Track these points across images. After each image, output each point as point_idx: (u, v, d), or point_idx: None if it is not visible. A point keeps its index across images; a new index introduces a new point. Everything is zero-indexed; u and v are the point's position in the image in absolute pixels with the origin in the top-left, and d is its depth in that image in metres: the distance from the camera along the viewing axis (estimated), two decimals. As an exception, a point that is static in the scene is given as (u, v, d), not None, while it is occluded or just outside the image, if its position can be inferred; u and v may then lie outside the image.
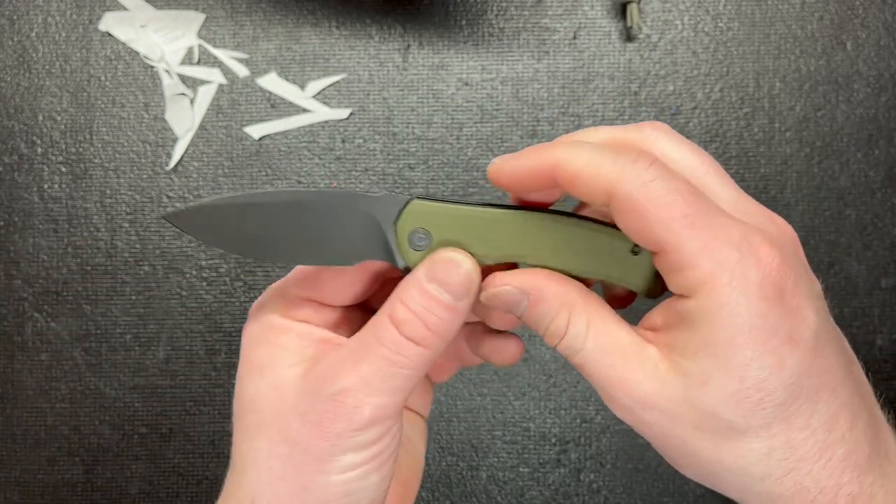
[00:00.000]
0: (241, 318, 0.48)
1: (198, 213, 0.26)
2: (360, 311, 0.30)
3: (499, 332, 0.31)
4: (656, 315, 0.26)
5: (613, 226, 0.26)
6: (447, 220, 0.27)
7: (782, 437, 0.23)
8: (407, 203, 0.26)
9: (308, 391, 0.26)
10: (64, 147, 0.49)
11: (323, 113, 0.49)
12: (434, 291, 0.26)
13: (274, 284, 0.30)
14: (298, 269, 0.29)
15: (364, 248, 0.27)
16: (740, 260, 0.23)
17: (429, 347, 0.26)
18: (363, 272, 0.28)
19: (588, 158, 0.24)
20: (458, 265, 0.26)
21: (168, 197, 0.49)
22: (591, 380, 0.26)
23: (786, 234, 0.25)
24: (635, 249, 0.26)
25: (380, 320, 0.26)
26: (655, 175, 0.23)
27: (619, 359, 0.25)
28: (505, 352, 0.31)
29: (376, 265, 0.28)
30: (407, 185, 0.49)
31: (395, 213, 0.27)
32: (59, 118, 0.49)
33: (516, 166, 0.26)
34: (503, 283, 0.27)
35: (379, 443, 0.26)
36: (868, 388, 0.25)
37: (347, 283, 0.28)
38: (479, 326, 0.31)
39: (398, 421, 0.27)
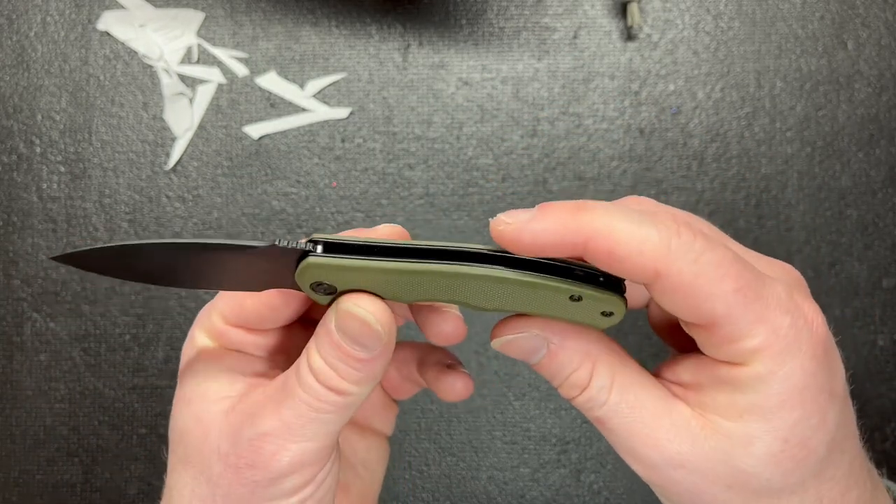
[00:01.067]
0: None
1: (87, 257, 0.25)
2: (303, 329, 0.29)
3: (447, 367, 0.30)
4: (683, 371, 0.25)
5: (558, 264, 0.23)
6: (349, 274, 0.24)
7: (813, 492, 0.23)
8: (300, 259, 0.23)
9: (230, 432, 0.25)
10: (63, 147, 0.49)
11: (322, 112, 0.49)
12: (345, 344, 0.24)
13: (210, 302, 0.28)
14: (222, 293, 0.28)
15: (269, 280, 0.25)
16: (792, 324, 0.22)
17: (349, 394, 0.25)
18: (285, 295, 0.26)
19: (629, 231, 0.22)
20: (361, 320, 0.24)
21: (167, 196, 0.49)
22: (612, 435, 0.25)
23: (801, 281, 0.25)
24: (574, 297, 0.24)
25: (301, 363, 0.25)
26: (703, 247, 0.22)
27: (647, 415, 0.24)
28: (452, 390, 0.29)
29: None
30: (407, 185, 0.48)
31: (292, 266, 0.24)
32: (57, 118, 0.49)
33: (539, 233, 0.23)
34: (519, 328, 0.25)
35: (302, 491, 0.25)
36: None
37: (270, 308, 0.27)
38: (429, 355, 0.30)
39: (325, 465, 0.26)
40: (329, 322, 0.24)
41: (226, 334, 0.27)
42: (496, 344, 0.26)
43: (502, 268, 0.24)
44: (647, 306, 0.30)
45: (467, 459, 0.48)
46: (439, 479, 0.48)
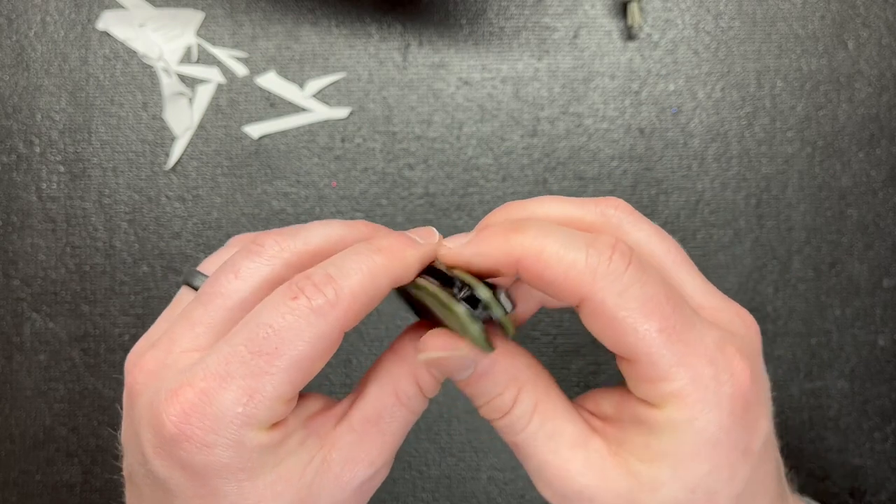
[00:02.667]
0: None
1: None
2: None
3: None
4: (606, 404, 0.25)
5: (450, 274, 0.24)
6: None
7: None
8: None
9: (341, 484, 0.25)
10: (62, 146, 0.49)
11: (322, 112, 0.49)
12: (446, 373, 0.26)
13: (221, 382, 0.23)
14: (280, 363, 0.23)
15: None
16: (714, 376, 0.22)
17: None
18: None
19: (556, 254, 0.22)
20: (450, 361, 0.25)
21: (167, 196, 0.49)
22: (526, 461, 0.25)
23: (750, 329, 0.25)
24: (474, 317, 0.24)
25: (408, 394, 0.26)
26: (632, 279, 0.22)
27: (563, 446, 0.24)
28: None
29: None
30: (406, 185, 0.48)
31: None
32: (57, 117, 0.49)
33: (475, 255, 0.24)
34: (449, 346, 0.25)
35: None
36: (780, 463, 0.25)
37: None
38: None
39: None
40: (440, 343, 0.25)
41: (284, 412, 0.24)
42: (422, 358, 0.25)
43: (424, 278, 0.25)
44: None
45: (467, 460, 0.48)
46: (439, 479, 0.48)
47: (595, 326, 0.23)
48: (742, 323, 0.24)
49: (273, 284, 0.25)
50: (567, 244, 0.22)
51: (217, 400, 0.22)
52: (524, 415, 0.25)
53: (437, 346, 0.25)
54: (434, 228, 0.27)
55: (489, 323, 0.24)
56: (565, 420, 0.24)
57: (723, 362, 0.22)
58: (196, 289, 0.27)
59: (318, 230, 0.26)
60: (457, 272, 0.24)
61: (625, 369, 0.23)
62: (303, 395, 0.26)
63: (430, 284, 0.24)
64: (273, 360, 0.22)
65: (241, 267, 0.25)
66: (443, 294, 0.24)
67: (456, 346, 0.25)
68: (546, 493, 0.25)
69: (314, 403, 0.26)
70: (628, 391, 0.24)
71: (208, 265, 0.28)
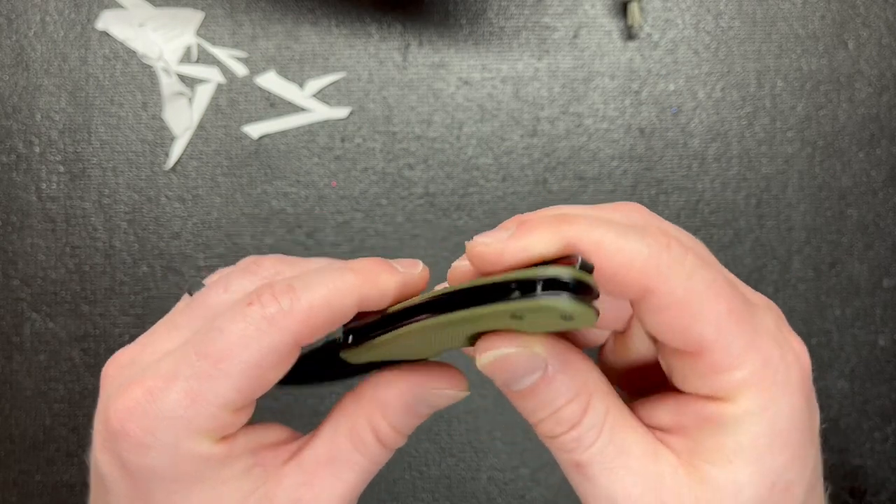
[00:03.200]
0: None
1: None
2: None
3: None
4: (663, 413, 0.23)
5: (488, 283, 0.21)
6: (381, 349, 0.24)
7: None
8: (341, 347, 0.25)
9: None
10: (62, 146, 0.49)
11: (322, 112, 0.48)
12: (422, 412, 0.25)
13: (166, 383, 0.22)
14: (228, 368, 0.22)
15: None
16: (782, 357, 0.21)
17: (397, 447, 0.25)
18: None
19: (616, 245, 0.20)
20: (454, 397, 0.25)
21: (167, 196, 0.49)
22: (589, 483, 0.22)
23: (782, 315, 0.24)
24: (516, 315, 0.20)
25: (364, 441, 0.24)
26: (695, 265, 0.20)
27: (634, 462, 0.21)
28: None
29: None
30: (406, 185, 0.48)
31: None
32: (56, 117, 0.49)
33: (521, 252, 0.21)
34: (511, 343, 0.22)
35: None
36: None
37: (281, 373, 0.24)
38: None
39: None
40: (410, 402, 0.24)
41: (229, 425, 0.23)
42: (484, 360, 0.22)
43: (433, 315, 0.22)
44: (602, 345, 0.28)
45: (467, 460, 0.48)
46: (439, 479, 0.48)
47: (660, 320, 0.21)
48: (774, 308, 0.24)
49: None
50: (625, 234, 0.20)
51: (160, 400, 0.22)
52: (595, 425, 0.22)
53: (500, 344, 0.22)
54: (420, 261, 0.25)
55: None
56: (634, 432, 0.22)
57: (785, 342, 0.21)
58: None
59: (317, 263, 0.25)
60: (488, 279, 0.21)
61: (685, 366, 0.21)
62: (263, 424, 0.25)
63: (443, 317, 0.22)
64: (218, 363, 0.21)
65: (232, 282, 0.24)
66: (492, 309, 0.20)
67: (525, 342, 0.22)
68: None
69: (272, 433, 0.25)
70: (682, 394, 0.22)
71: (212, 279, 0.28)
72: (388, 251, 0.48)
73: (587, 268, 0.20)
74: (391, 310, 0.24)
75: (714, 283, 0.20)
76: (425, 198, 0.48)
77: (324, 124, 0.49)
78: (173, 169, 0.49)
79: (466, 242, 0.21)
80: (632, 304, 0.21)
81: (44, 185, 0.49)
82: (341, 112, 0.49)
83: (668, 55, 0.49)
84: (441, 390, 0.24)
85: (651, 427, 0.23)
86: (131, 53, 0.49)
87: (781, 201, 0.48)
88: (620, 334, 0.27)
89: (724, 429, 0.21)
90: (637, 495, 0.21)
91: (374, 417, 0.24)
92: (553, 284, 0.20)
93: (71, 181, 0.49)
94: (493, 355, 0.22)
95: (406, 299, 0.24)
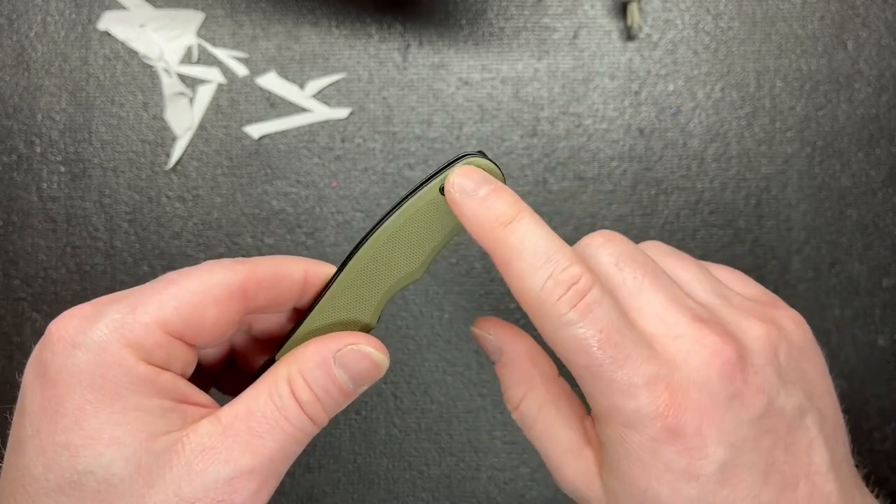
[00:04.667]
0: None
1: None
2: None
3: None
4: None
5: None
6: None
7: None
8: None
9: (187, 474, 0.22)
10: (63, 146, 0.49)
11: (322, 112, 0.49)
12: (341, 380, 0.25)
13: (114, 299, 0.24)
14: (159, 294, 0.24)
15: None
16: (637, 409, 0.23)
17: (322, 425, 0.25)
18: (246, 308, 0.25)
19: (520, 271, 0.24)
20: (374, 362, 0.26)
21: (167, 197, 0.49)
22: (540, 454, 0.28)
23: (701, 359, 0.24)
24: (442, 189, 0.26)
25: (278, 394, 0.24)
26: (570, 321, 0.24)
27: (559, 452, 0.27)
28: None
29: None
30: (407, 185, 0.48)
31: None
32: (57, 117, 0.49)
33: (470, 211, 0.26)
34: (489, 330, 0.28)
35: None
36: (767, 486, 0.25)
37: (234, 321, 0.25)
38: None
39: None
40: (324, 353, 0.25)
41: (159, 349, 0.23)
42: (473, 331, 0.29)
43: (386, 220, 0.26)
44: None
45: (467, 459, 0.48)
46: (439, 479, 0.48)
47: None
48: (695, 353, 0.24)
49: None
50: (534, 265, 0.24)
51: (105, 307, 0.23)
52: (528, 415, 0.27)
53: (482, 326, 0.29)
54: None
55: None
56: (563, 428, 0.27)
57: (647, 398, 0.23)
58: None
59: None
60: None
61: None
62: (196, 388, 0.25)
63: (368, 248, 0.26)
64: (167, 285, 0.24)
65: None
66: (425, 189, 0.26)
67: (493, 330, 0.28)
68: (559, 485, 0.28)
69: (201, 397, 0.25)
70: None
71: None
72: (389, 251, 0.48)
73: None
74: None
75: (580, 342, 0.24)
76: (425, 198, 0.48)
77: (324, 124, 0.49)
78: (174, 169, 0.49)
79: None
80: None
81: (45, 185, 0.49)
82: (341, 112, 0.49)
83: (668, 55, 0.49)
84: (357, 345, 0.25)
85: (591, 427, 0.27)
86: (132, 54, 0.49)
87: (781, 201, 0.48)
88: None
89: (603, 446, 0.25)
90: (562, 477, 0.27)
91: (292, 371, 0.25)
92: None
93: (72, 181, 0.49)
94: (475, 331, 0.29)
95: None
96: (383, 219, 0.26)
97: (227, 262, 0.25)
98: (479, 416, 0.48)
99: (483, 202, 0.25)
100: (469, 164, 0.26)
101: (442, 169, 0.26)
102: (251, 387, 0.25)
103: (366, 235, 0.26)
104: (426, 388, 0.48)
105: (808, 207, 0.48)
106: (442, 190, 0.26)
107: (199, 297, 0.23)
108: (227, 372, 0.30)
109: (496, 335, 0.28)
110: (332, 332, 0.26)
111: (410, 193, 0.26)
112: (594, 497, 0.26)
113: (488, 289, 0.48)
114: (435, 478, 0.48)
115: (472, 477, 0.48)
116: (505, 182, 0.27)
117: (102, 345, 0.22)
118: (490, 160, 0.27)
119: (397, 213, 0.26)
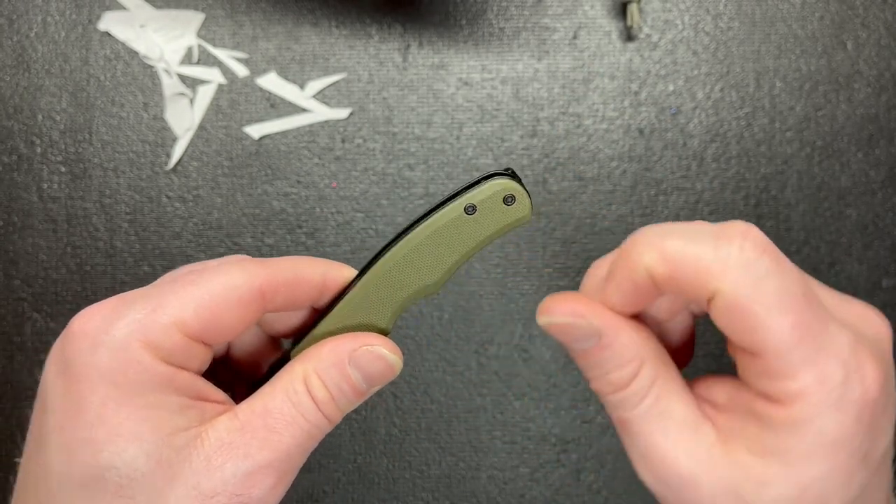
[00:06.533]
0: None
1: None
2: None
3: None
4: (719, 391, 0.24)
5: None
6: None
7: None
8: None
9: (207, 468, 0.23)
10: (63, 147, 0.49)
11: (322, 113, 0.49)
12: (355, 379, 0.25)
13: (136, 297, 0.24)
14: (178, 296, 0.24)
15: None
16: (844, 380, 0.21)
17: (335, 422, 0.25)
18: (261, 310, 0.25)
19: (680, 250, 0.21)
20: (388, 363, 0.26)
21: (167, 197, 0.49)
22: (631, 439, 0.24)
23: (881, 331, 0.24)
24: (468, 209, 0.25)
25: (294, 391, 0.24)
26: (767, 269, 0.21)
27: (673, 427, 0.23)
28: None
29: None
30: (407, 185, 0.49)
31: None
32: (58, 118, 0.49)
33: (613, 294, 0.23)
34: (574, 313, 0.24)
35: None
36: (892, 475, 0.25)
37: (248, 322, 0.25)
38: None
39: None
40: (340, 351, 0.25)
41: (178, 349, 0.23)
42: (544, 321, 0.24)
43: (403, 238, 0.26)
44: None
45: (467, 459, 0.48)
46: (439, 478, 0.48)
47: (724, 320, 0.22)
48: (872, 324, 0.23)
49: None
50: (690, 238, 0.21)
51: (126, 305, 0.23)
52: (640, 390, 0.24)
53: (562, 310, 0.24)
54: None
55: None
56: (679, 401, 0.24)
57: (854, 366, 0.21)
58: None
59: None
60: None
61: (746, 362, 0.23)
62: (212, 385, 0.25)
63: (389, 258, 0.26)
64: (186, 286, 0.23)
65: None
66: (447, 210, 0.25)
67: (584, 313, 0.24)
68: (646, 475, 0.24)
69: (218, 394, 0.25)
70: (743, 382, 0.23)
71: None
72: (389, 251, 0.48)
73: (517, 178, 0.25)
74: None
75: (786, 293, 0.21)
76: (425, 198, 0.48)
77: (324, 125, 0.49)
78: (174, 169, 0.49)
79: (545, 321, 0.25)
80: (707, 308, 0.22)
81: (45, 186, 0.49)
82: (342, 113, 0.49)
83: (668, 56, 0.49)
84: (372, 346, 0.25)
85: (704, 401, 0.24)
86: (132, 54, 0.49)
87: (780, 201, 0.48)
88: None
89: (768, 426, 0.22)
90: (671, 458, 0.23)
91: (308, 369, 0.25)
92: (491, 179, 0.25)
93: (72, 181, 0.49)
94: (554, 320, 0.24)
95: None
96: (407, 229, 0.26)
97: (247, 263, 0.25)
98: (479, 415, 0.48)
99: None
100: (498, 185, 0.25)
101: (470, 185, 0.25)
102: (267, 384, 0.25)
103: (389, 243, 0.26)
104: (426, 387, 0.48)
105: (808, 208, 0.48)
106: (467, 209, 0.25)
107: (218, 300, 0.24)
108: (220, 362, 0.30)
109: (592, 317, 0.24)
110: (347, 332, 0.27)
111: (437, 207, 0.25)
112: (705, 481, 0.22)
113: (488, 289, 0.48)
114: (435, 477, 0.48)
115: (472, 477, 0.48)
116: (531, 209, 0.25)
117: (124, 344, 0.23)
118: (520, 183, 0.25)
119: (423, 225, 0.25)
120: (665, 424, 0.23)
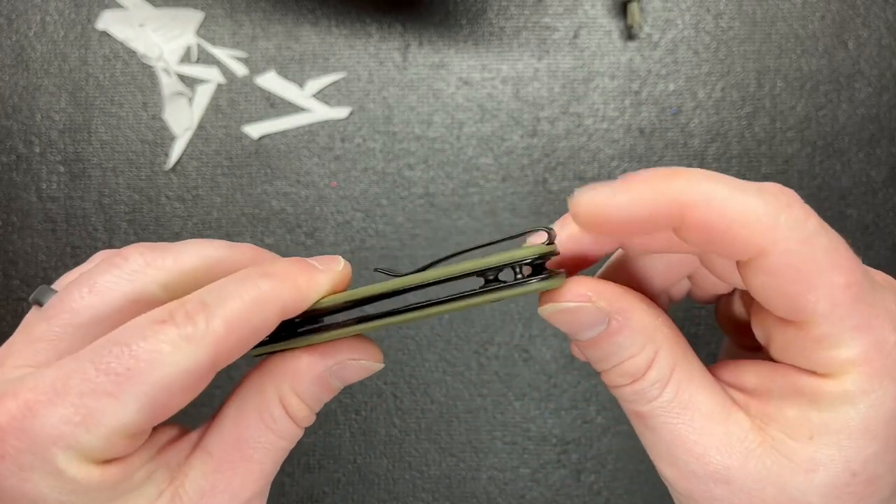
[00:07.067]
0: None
1: None
2: None
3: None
4: (749, 375, 0.22)
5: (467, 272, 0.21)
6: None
7: None
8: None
9: None
10: (62, 146, 0.49)
11: (322, 112, 0.48)
12: (333, 385, 0.23)
13: (52, 400, 0.19)
14: (131, 389, 0.19)
15: None
16: None
17: (309, 424, 0.24)
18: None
19: (731, 199, 0.19)
20: (370, 369, 0.23)
21: (167, 196, 0.49)
22: (651, 434, 0.22)
23: None
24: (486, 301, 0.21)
25: (274, 417, 0.22)
26: (817, 228, 0.19)
27: (699, 418, 0.21)
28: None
29: None
30: (406, 185, 0.48)
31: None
32: (56, 117, 0.49)
33: (626, 207, 0.20)
34: (580, 296, 0.21)
35: None
36: None
37: (197, 390, 0.21)
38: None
39: None
40: (322, 372, 0.23)
41: (124, 448, 0.20)
42: (546, 311, 0.22)
43: (417, 310, 0.22)
44: (717, 300, 0.27)
45: (467, 460, 0.48)
46: (439, 479, 0.48)
47: (769, 284, 0.19)
48: (891, 286, 0.21)
49: (140, 305, 0.22)
50: (740, 188, 0.19)
51: (42, 415, 0.19)
52: (659, 380, 0.21)
53: (565, 295, 0.21)
54: (340, 257, 0.24)
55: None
56: (703, 389, 0.21)
57: None
58: None
59: (192, 248, 0.23)
60: (444, 269, 0.21)
61: (787, 336, 0.20)
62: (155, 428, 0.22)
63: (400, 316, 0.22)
64: (123, 382, 0.19)
65: (97, 280, 0.22)
66: (458, 305, 0.21)
67: (589, 294, 0.21)
68: (670, 473, 0.22)
69: (166, 433, 0.23)
70: (779, 363, 0.21)
71: (63, 282, 0.24)
72: (388, 251, 0.48)
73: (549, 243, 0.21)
74: (323, 303, 0.22)
75: (836, 252, 0.19)
76: (425, 198, 0.48)
77: (324, 124, 0.49)
78: (173, 169, 0.49)
79: (568, 197, 0.21)
80: (738, 266, 0.20)
81: (44, 186, 0.49)
82: (341, 112, 0.49)
83: (668, 55, 0.49)
84: (357, 360, 0.23)
85: (732, 387, 0.22)
86: (131, 53, 0.49)
87: (781, 201, 0.48)
88: (727, 296, 0.26)
89: (815, 403, 0.20)
90: (699, 453, 0.21)
91: (283, 389, 0.22)
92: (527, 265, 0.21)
93: (71, 181, 0.49)
94: (557, 307, 0.21)
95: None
96: (420, 305, 0.22)
97: (193, 335, 0.20)
98: (479, 416, 0.48)
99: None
100: (538, 285, 0.21)
101: (493, 282, 0.21)
102: (233, 405, 0.23)
103: (395, 311, 0.22)
104: (426, 388, 0.48)
105: (809, 207, 0.48)
106: (490, 288, 0.21)
107: (165, 393, 0.20)
108: None
109: (598, 298, 0.21)
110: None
111: (453, 279, 0.21)
112: (740, 475, 0.20)
113: (488, 289, 0.48)
114: (435, 478, 0.48)
115: (472, 477, 0.48)
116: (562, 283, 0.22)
117: (57, 468, 0.19)
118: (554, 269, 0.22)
119: (437, 308, 0.21)
120: (690, 416, 0.21)
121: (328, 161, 0.48)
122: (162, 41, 0.49)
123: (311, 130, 0.49)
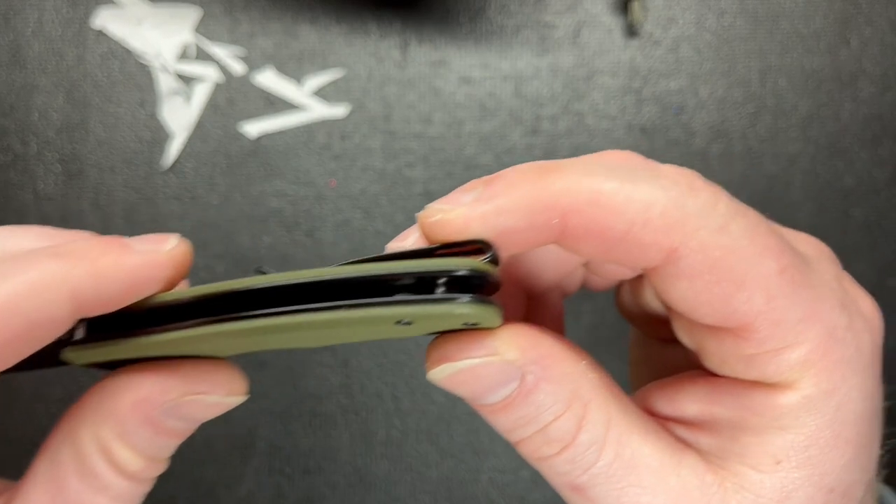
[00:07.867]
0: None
1: None
2: None
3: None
4: (687, 400, 0.18)
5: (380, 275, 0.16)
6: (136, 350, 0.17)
7: None
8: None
9: None
10: (58, 145, 0.49)
11: (321, 110, 0.48)
12: (177, 427, 0.18)
13: None
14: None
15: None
16: (850, 324, 0.16)
17: (156, 473, 0.19)
18: None
19: (623, 193, 0.15)
20: (223, 406, 0.18)
21: (164, 196, 0.48)
22: None
23: (833, 258, 0.19)
24: (402, 322, 0.16)
25: (97, 474, 0.17)
26: (731, 211, 0.16)
27: (648, 476, 0.17)
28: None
29: None
30: (406, 184, 0.48)
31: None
32: (53, 116, 0.49)
33: (494, 218, 0.16)
34: (482, 349, 0.16)
35: None
36: None
37: None
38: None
39: None
40: (152, 414, 0.17)
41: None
42: (438, 374, 0.17)
43: (302, 313, 0.16)
44: (617, 287, 0.23)
45: (467, 462, 0.47)
46: (439, 481, 0.47)
47: (687, 291, 0.16)
48: (818, 247, 0.18)
49: None
50: (629, 178, 0.15)
51: None
52: (595, 441, 0.17)
53: (458, 353, 0.17)
54: (175, 235, 0.19)
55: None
56: (646, 438, 0.17)
57: (852, 304, 0.17)
58: None
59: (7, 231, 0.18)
60: (361, 267, 0.16)
61: (722, 347, 0.17)
62: None
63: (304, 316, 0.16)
64: None
65: None
66: (368, 313, 0.15)
67: (495, 347, 0.16)
68: None
69: None
70: (720, 378, 0.18)
71: None
72: (388, 251, 0.47)
73: (493, 259, 0.16)
74: (158, 299, 0.18)
75: (758, 233, 0.16)
76: (425, 196, 0.48)
77: (322, 123, 0.48)
78: (171, 168, 0.48)
79: (417, 214, 0.17)
80: (646, 274, 0.17)
81: (40, 185, 0.48)
82: (340, 110, 0.48)
83: (670, 53, 0.49)
84: (202, 396, 0.17)
85: (670, 420, 0.18)
86: (128, 51, 0.49)
87: (784, 201, 0.48)
88: (633, 281, 0.22)
89: (774, 422, 0.17)
90: None
91: (104, 436, 0.17)
92: (450, 282, 0.15)
93: (68, 180, 0.48)
94: (449, 369, 0.17)
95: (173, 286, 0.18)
96: (285, 311, 0.16)
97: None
98: (480, 417, 0.47)
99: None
100: (456, 312, 0.16)
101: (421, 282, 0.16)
102: (45, 461, 0.17)
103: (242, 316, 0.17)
104: (426, 389, 0.47)
105: (812, 207, 0.48)
106: (400, 322, 0.16)
107: None
108: None
109: (511, 345, 0.17)
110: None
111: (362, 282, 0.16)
112: None
113: (489, 289, 0.47)
114: (435, 480, 0.47)
115: (472, 479, 0.47)
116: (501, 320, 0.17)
117: None
118: (490, 297, 0.16)
119: (305, 317, 0.16)
120: (638, 476, 0.17)
121: (327, 160, 0.48)
122: (159, 39, 0.49)
123: (309, 129, 0.48)
